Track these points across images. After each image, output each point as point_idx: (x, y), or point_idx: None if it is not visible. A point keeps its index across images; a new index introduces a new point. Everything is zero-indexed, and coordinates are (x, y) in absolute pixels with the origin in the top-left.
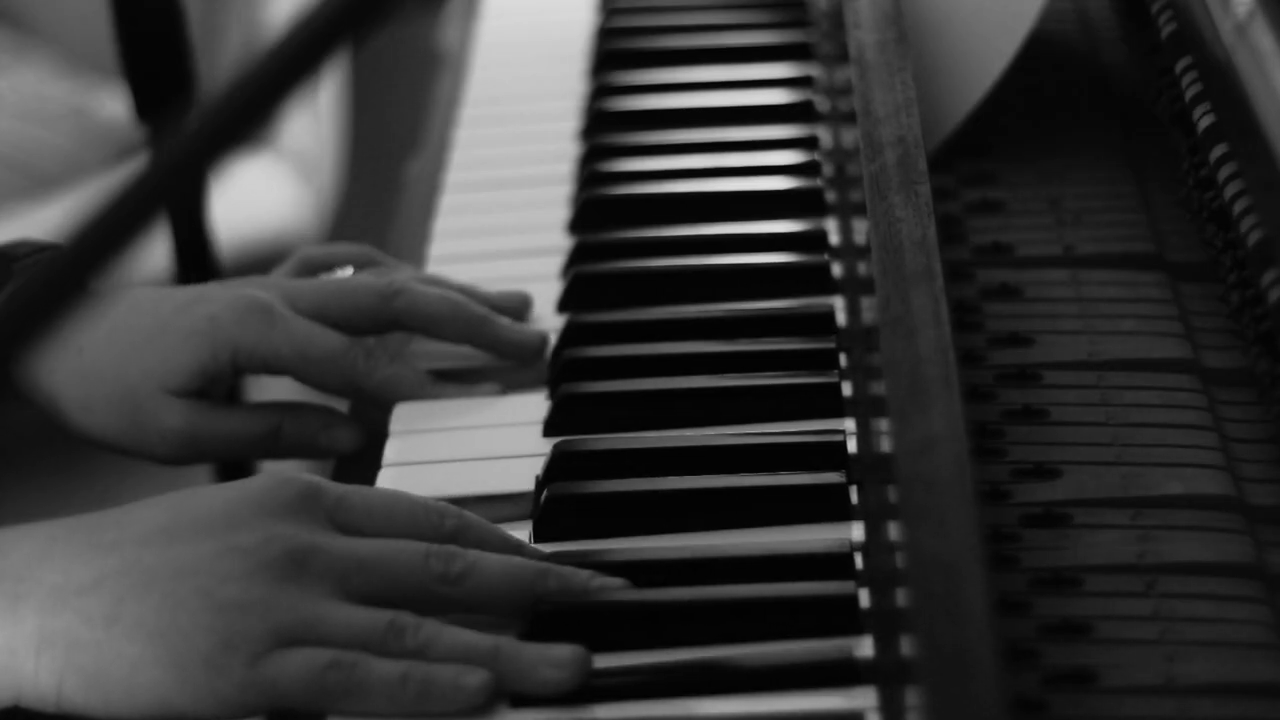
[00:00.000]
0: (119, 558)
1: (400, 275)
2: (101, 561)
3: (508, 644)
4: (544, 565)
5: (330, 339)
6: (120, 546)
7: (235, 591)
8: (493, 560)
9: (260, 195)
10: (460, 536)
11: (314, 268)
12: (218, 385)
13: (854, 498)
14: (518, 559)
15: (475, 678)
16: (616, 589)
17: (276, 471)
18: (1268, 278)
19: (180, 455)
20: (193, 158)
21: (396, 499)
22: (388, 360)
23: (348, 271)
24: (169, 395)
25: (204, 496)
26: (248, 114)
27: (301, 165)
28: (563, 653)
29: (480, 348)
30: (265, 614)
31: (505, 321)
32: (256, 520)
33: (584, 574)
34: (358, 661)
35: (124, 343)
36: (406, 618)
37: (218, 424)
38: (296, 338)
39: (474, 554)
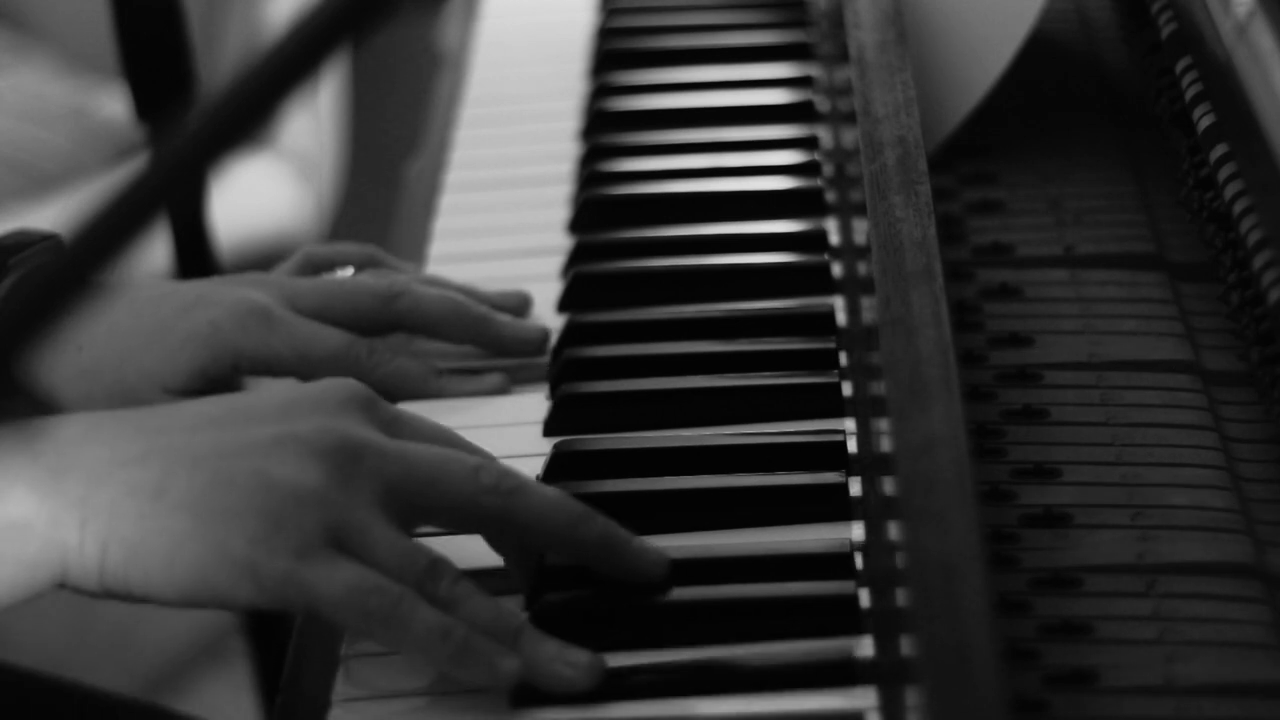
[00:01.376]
0: (167, 439)
1: (401, 277)
2: (149, 440)
3: (531, 631)
4: (591, 510)
5: (331, 338)
6: (168, 431)
7: (290, 474)
8: (543, 488)
9: (260, 195)
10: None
11: (317, 266)
12: (218, 388)
13: (854, 495)
14: (568, 495)
15: (509, 664)
16: (655, 562)
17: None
18: (1268, 278)
19: None
20: (193, 158)
21: (449, 434)
22: (390, 355)
23: (349, 272)
24: (169, 395)
25: (258, 394)
26: (248, 114)
27: (301, 165)
28: (581, 656)
29: (483, 346)
30: (318, 507)
31: (505, 319)
32: (313, 413)
33: (625, 535)
34: (404, 597)
35: (123, 343)
36: (448, 565)
37: None
38: (297, 340)
39: (524, 476)
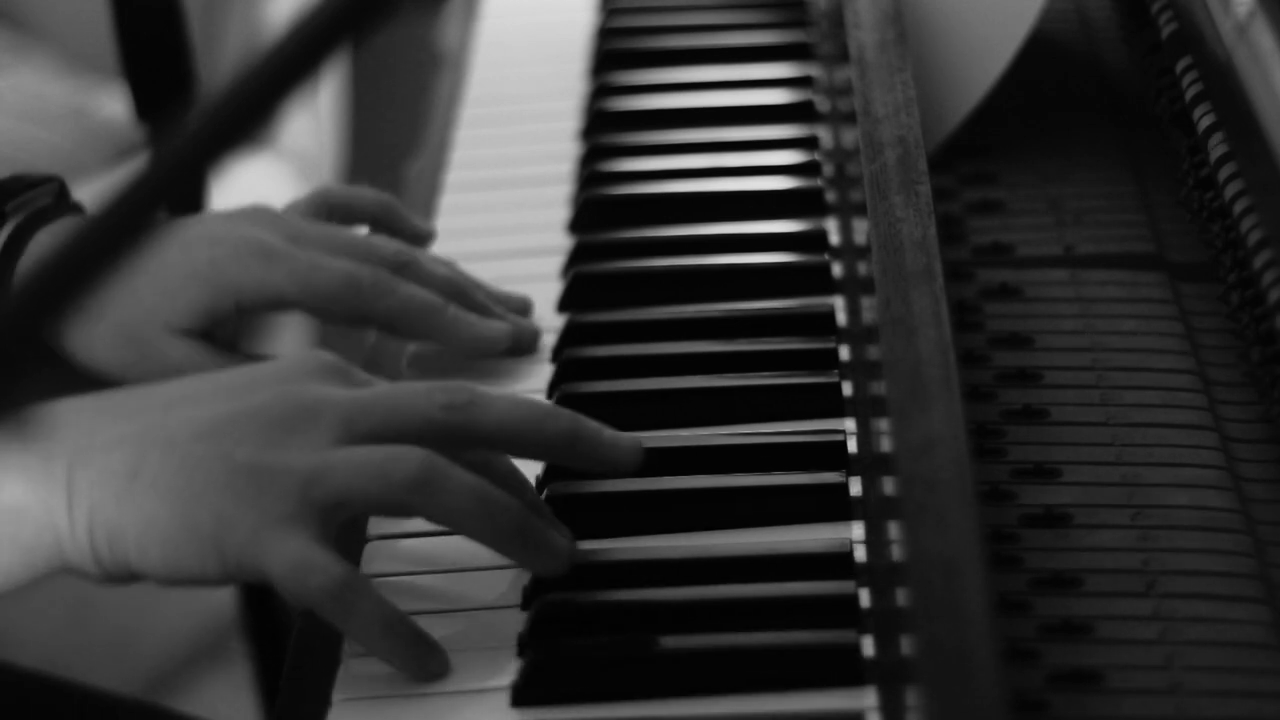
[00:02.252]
0: (143, 421)
1: (408, 251)
2: (126, 423)
3: (519, 507)
4: (557, 407)
5: (334, 268)
6: (145, 412)
7: (250, 453)
8: (501, 395)
9: (260, 195)
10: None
11: (333, 209)
12: (223, 327)
13: (854, 495)
14: (530, 398)
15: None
16: (629, 450)
17: (310, 349)
18: (1268, 278)
19: None
20: (193, 158)
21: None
22: (397, 284)
23: (363, 230)
24: (172, 333)
25: (230, 370)
26: (248, 114)
27: (301, 165)
28: (565, 540)
29: (447, 345)
30: (275, 475)
31: (496, 321)
32: (275, 383)
33: (595, 425)
34: (347, 582)
35: (126, 282)
36: (409, 449)
37: (222, 365)
38: (299, 273)
39: (479, 388)
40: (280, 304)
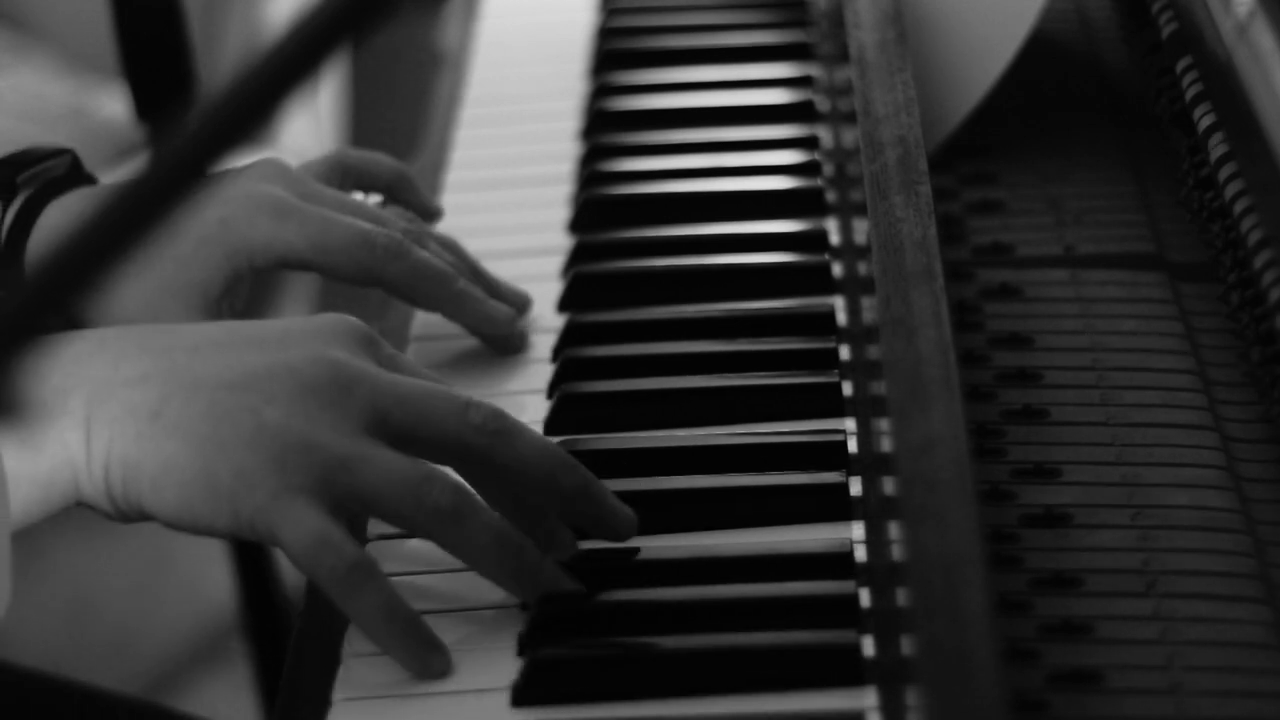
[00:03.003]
0: (169, 360)
1: (420, 224)
2: (152, 360)
3: (533, 549)
4: (574, 460)
5: (347, 226)
6: (172, 351)
7: (280, 415)
8: (529, 432)
9: None
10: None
11: (348, 171)
12: (238, 287)
13: (854, 495)
14: (554, 444)
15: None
16: (625, 520)
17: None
18: (1268, 278)
19: None
20: (193, 158)
21: (442, 383)
22: (410, 247)
23: (376, 199)
24: (187, 306)
25: (263, 321)
26: (248, 114)
27: None
28: (574, 585)
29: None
30: (304, 451)
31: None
32: (309, 341)
33: (603, 488)
34: (357, 565)
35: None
36: (445, 477)
37: None
38: (310, 229)
39: (513, 419)
40: (292, 259)
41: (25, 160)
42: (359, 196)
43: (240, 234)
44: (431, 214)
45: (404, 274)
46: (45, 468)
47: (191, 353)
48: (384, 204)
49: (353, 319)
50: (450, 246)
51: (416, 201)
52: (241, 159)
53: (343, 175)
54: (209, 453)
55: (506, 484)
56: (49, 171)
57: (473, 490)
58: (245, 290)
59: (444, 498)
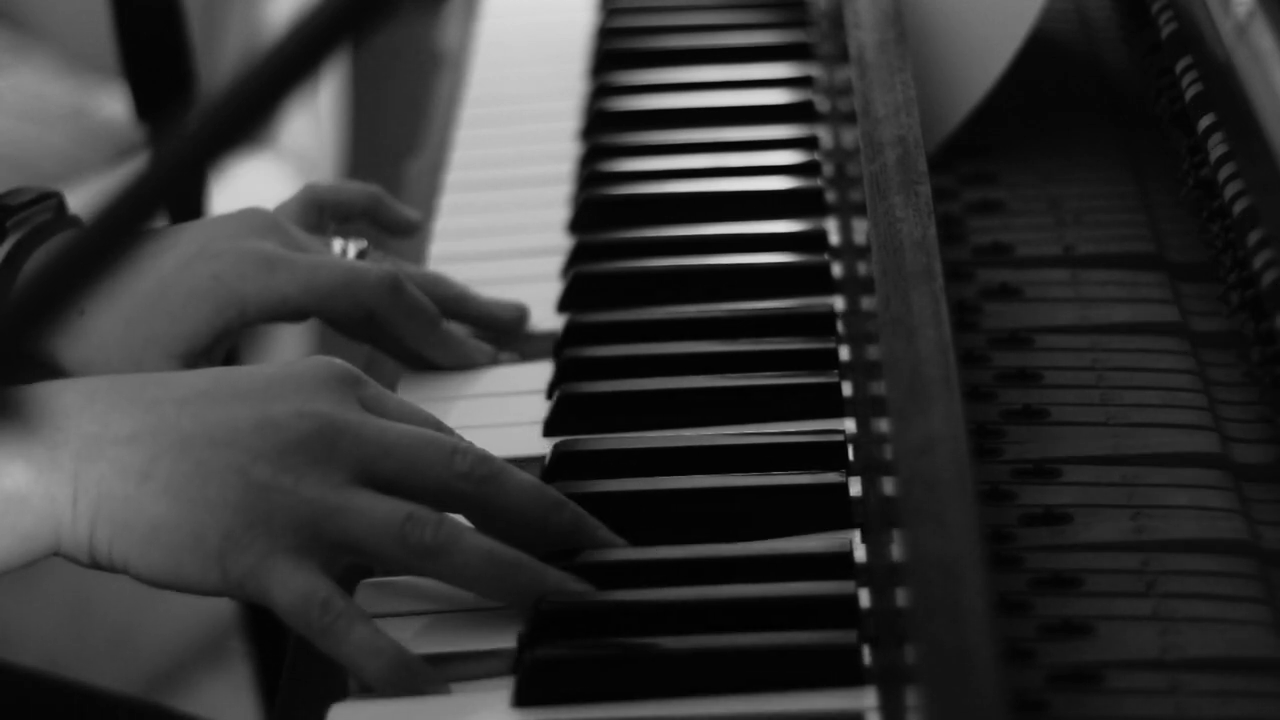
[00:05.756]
0: (158, 416)
1: (401, 268)
2: (141, 416)
3: (530, 562)
4: (563, 498)
5: (335, 267)
6: (160, 405)
7: (267, 472)
8: (517, 475)
9: (260, 196)
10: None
11: (323, 205)
12: (224, 341)
13: (854, 495)
14: (541, 483)
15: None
16: (617, 546)
17: (320, 356)
18: (1268, 278)
19: None
20: (193, 158)
21: (431, 418)
22: (401, 280)
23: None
24: (173, 360)
25: (248, 369)
26: (248, 114)
27: (301, 165)
28: (581, 586)
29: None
30: (290, 509)
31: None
32: (293, 394)
33: (594, 524)
34: (343, 613)
35: (126, 305)
36: (426, 513)
37: None
38: (299, 275)
39: (500, 462)
40: (285, 309)
41: (13, 204)
42: (338, 244)
43: (231, 288)
44: (413, 227)
45: (398, 309)
46: (29, 522)
47: (180, 406)
48: (363, 254)
49: (338, 361)
50: (430, 285)
51: (396, 218)
52: (240, 159)
53: (319, 210)
54: (198, 515)
55: (498, 525)
56: (36, 216)
57: (458, 518)
58: (228, 345)
59: (427, 534)
